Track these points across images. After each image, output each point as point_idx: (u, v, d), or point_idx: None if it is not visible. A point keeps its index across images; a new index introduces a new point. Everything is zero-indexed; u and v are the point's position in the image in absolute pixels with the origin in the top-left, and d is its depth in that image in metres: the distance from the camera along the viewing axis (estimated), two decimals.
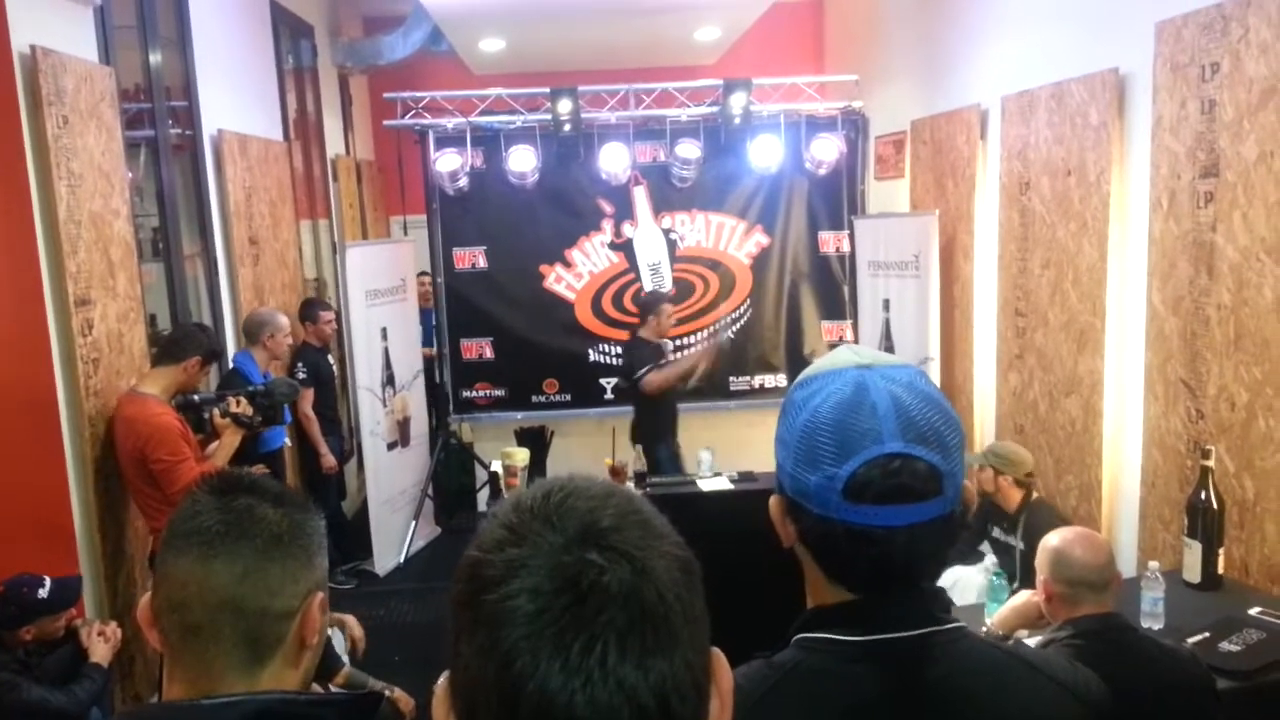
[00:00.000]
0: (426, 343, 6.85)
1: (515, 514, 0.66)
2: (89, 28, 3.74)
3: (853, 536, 0.94)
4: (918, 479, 0.93)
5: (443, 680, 0.66)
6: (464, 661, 0.62)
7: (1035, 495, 3.71)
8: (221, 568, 1.02)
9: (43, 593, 2.86)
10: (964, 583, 3.80)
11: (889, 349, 5.79)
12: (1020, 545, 3.57)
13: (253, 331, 4.81)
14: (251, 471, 1.15)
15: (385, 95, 6.46)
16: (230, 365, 4.79)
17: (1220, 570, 3.04)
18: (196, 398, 3.64)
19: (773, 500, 1.03)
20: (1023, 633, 2.40)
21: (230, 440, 3.65)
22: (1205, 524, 3.01)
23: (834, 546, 0.96)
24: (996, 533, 3.77)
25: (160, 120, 4.45)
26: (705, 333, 6.63)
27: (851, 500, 0.93)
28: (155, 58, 4.43)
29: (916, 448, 0.93)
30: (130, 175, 4.02)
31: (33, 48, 3.19)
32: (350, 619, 3.59)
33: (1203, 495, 3.02)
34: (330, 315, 5.61)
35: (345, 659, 3.60)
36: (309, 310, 5.60)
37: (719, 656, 0.68)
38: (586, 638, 0.59)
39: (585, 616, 0.59)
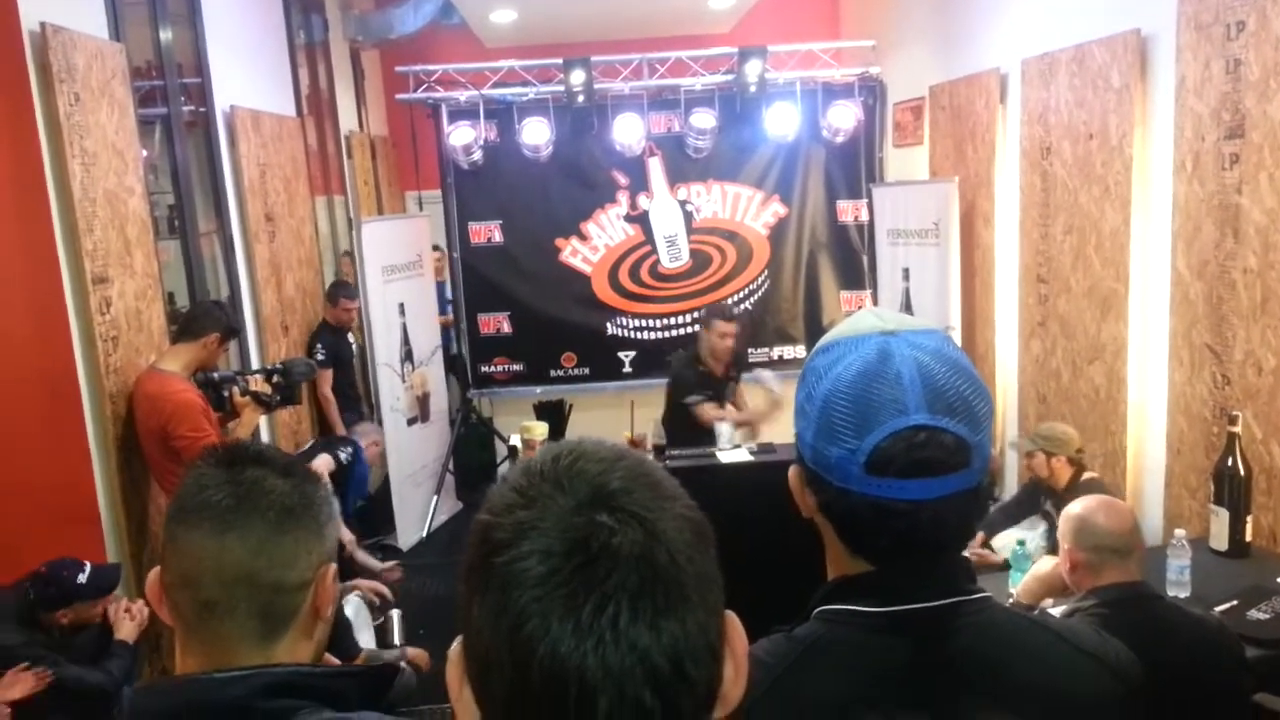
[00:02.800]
0: (441, 312, 6.86)
1: (525, 477, 0.65)
2: (98, 4, 3.73)
3: (876, 510, 0.91)
4: (944, 451, 0.90)
5: (456, 645, 0.66)
6: (476, 625, 0.62)
7: (1086, 474, 3.60)
8: (234, 542, 1.01)
9: (82, 578, 2.90)
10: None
11: None
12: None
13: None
14: (257, 442, 1.14)
15: (397, 69, 6.43)
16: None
17: (1248, 538, 3.00)
18: (216, 375, 3.66)
19: (792, 470, 1.01)
20: (1048, 602, 2.38)
21: (250, 418, 3.68)
22: (1232, 491, 2.97)
23: (856, 520, 0.94)
24: (1048, 505, 3.69)
25: (172, 97, 4.43)
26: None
27: (874, 474, 0.90)
28: (166, 34, 4.41)
29: (943, 419, 0.90)
30: (144, 153, 4.01)
31: (42, 25, 3.18)
32: (362, 582, 3.62)
33: (1230, 462, 2.99)
34: (353, 304, 5.59)
35: (364, 641, 3.62)
36: (335, 293, 5.62)
37: (733, 619, 0.67)
38: (598, 599, 0.58)
39: (596, 578, 0.59)
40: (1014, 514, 3.82)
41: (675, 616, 0.60)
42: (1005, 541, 3.66)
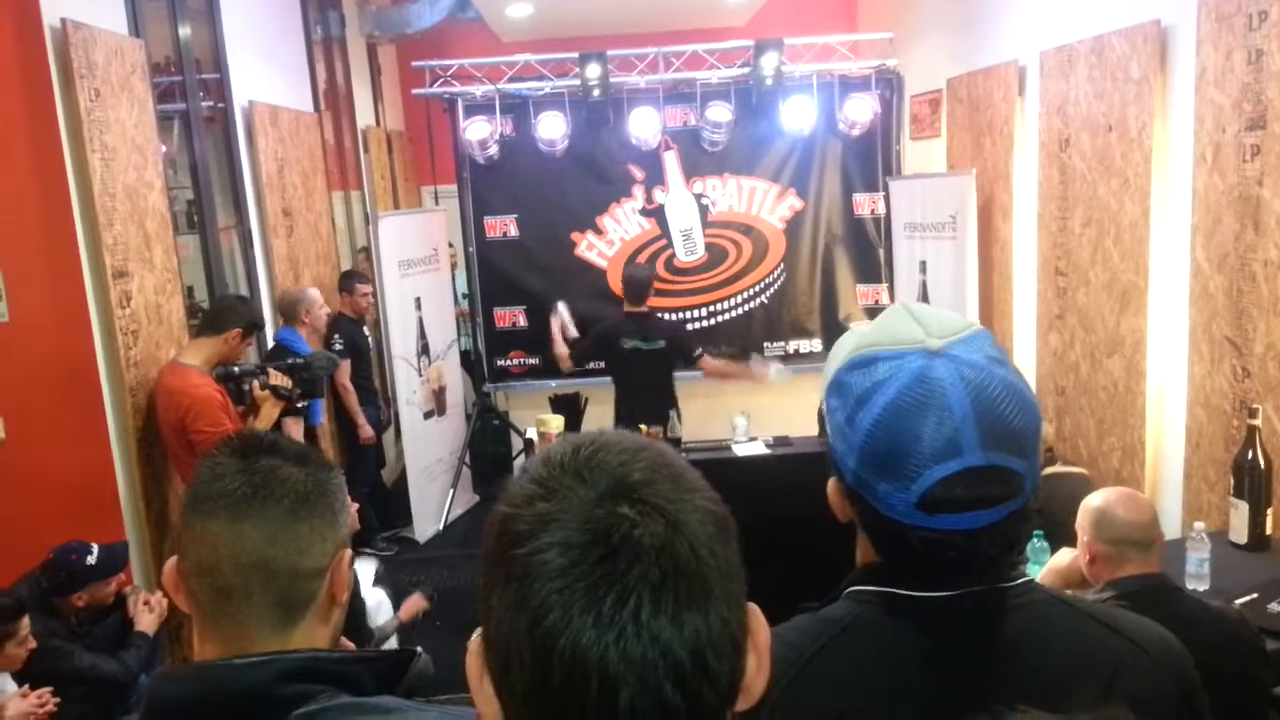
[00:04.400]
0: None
1: (545, 468, 0.65)
2: (119, 1, 3.75)
3: (925, 541, 0.89)
4: (1000, 486, 0.88)
5: (475, 637, 0.66)
6: (496, 617, 0.62)
7: (1052, 469, 3.59)
8: (251, 529, 1.02)
9: (91, 559, 2.92)
10: None
11: None
12: None
13: (289, 311, 4.84)
14: (270, 432, 1.15)
15: (414, 64, 6.44)
16: (272, 341, 4.83)
17: (1268, 531, 2.98)
18: (236, 369, 3.68)
19: (831, 484, 0.98)
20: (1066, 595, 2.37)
21: (269, 412, 3.69)
22: (1252, 484, 2.95)
23: (904, 546, 0.91)
24: None
25: (191, 93, 4.46)
26: (740, 297, 6.59)
27: (927, 511, 0.88)
28: (185, 30, 4.43)
29: (999, 456, 0.86)
30: (164, 148, 4.04)
31: (63, 21, 3.20)
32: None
33: (1250, 455, 2.97)
34: (368, 288, 5.63)
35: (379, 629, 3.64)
36: (347, 282, 5.63)
37: (755, 612, 0.67)
38: (619, 591, 0.58)
39: (617, 570, 0.58)
40: None
41: (697, 609, 0.60)
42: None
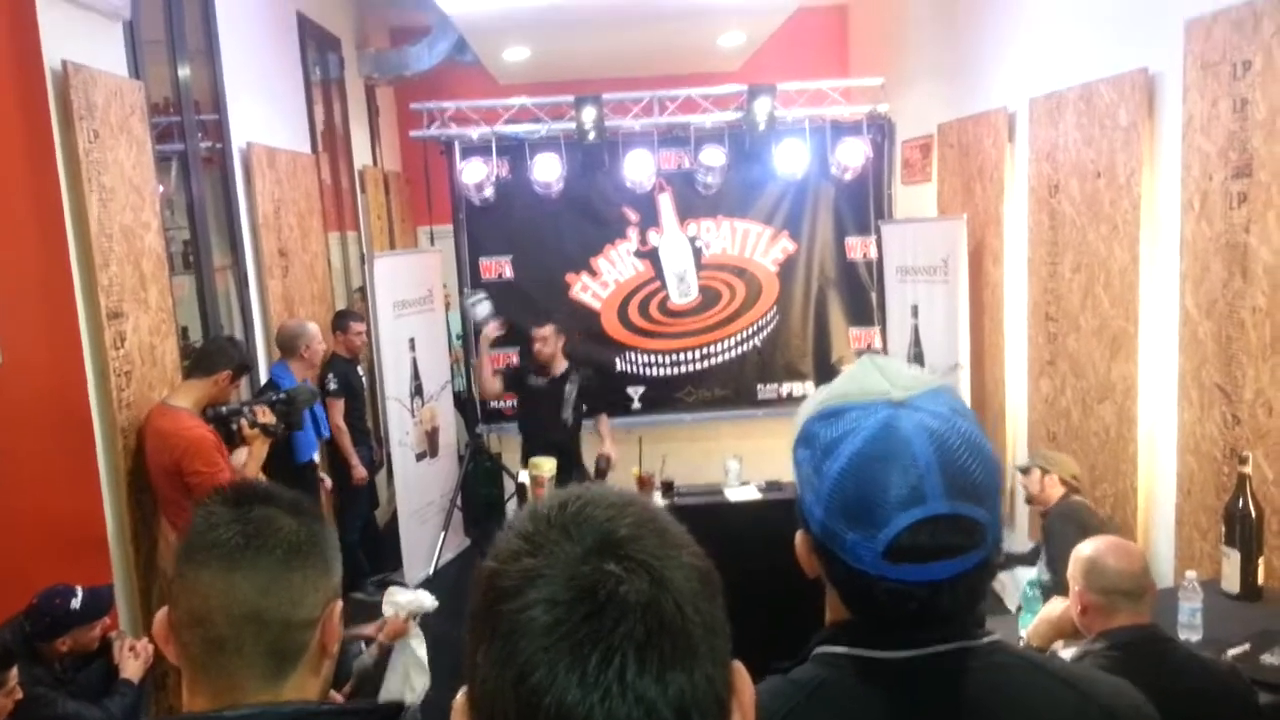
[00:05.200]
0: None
1: (532, 523, 0.65)
2: (119, 42, 3.79)
3: (890, 592, 0.90)
4: (963, 536, 0.89)
5: (461, 695, 0.66)
6: (481, 674, 0.62)
7: (1075, 497, 3.67)
8: (244, 580, 1.02)
9: (75, 603, 2.89)
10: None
11: (918, 355, 5.74)
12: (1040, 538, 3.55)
13: (289, 345, 4.85)
14: (264, 481, 1.15)
15: (411, 106, 6.51)
16: (266, 377, 4.83)
17: (1260, 580, 2.97)
18: (224, 409, 3.68)
19: (799, 536, 0.99)
20: (1058, 644, 2.36)
21: (260, 450, 3.69)
22: (1244, 532, 2.95)
23: (870, 598, 0.92)
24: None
25: (190, 133, 4.49)
26: (734, 340, 6.61)
27: (892, 560, 0.89)
28: (184, 71, 4.48)
29: (962, 505, 0.88)
30: (161, 188, 4.06)
31: (64, 63, 3.23)
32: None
33: (1240, 503, 2.96)
34: (361, 327, 5.64)
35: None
36: (341, 320, 5.63)
37: (740, 670, 0.67)
38: (604, 650, 0.58)
39: (603, 628, 0.59)
40: (1034, 558, 3.83)
41: (682, 668, 0.60)
42: (1020, 580, 3.65)
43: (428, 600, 3.44)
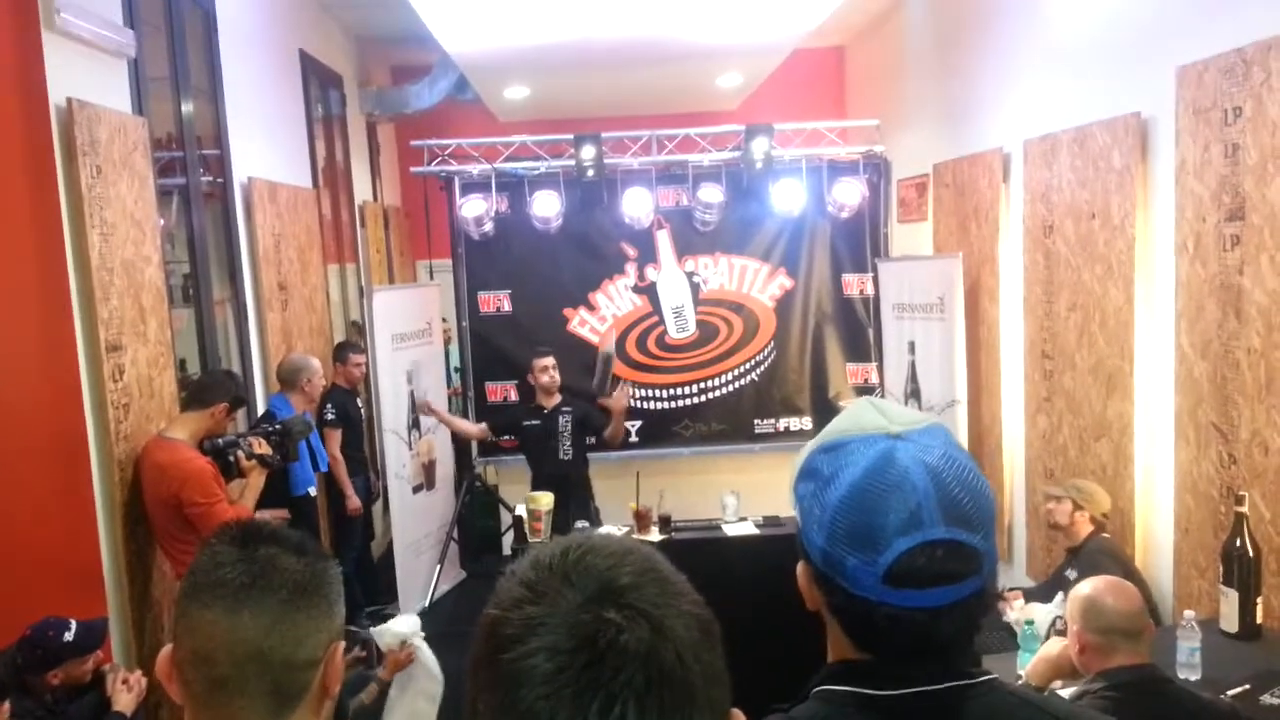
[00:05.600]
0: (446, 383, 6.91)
1: (534, 571, 0.66)
2: (123, 79, 3.83)
3: (891, 618, 0.92)
4: (960, 562, 0.91)
5: None
6: None
7: (1106, 535, 3.69)
8: (248, 620, 1.02)
9: (68, 636, 2.87)
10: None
11: (915, 392, 5.76)
12: (1073, 575, 3.51)
13: (290, 378, 4.86)
14: (269, 520, 1.15)
15: (412, 143, 6.57)
16: (265, 409, 4.83)
17: (1259, 620, 2.97)
18: (221, 441, 3.68)
19: (800, 568, 1.01)
20: (1057, 684, 2.35)
21: (256, 481, 3.69)
22: (1241, 571, 2.95)
23: (869, 624, 0.94)
24: (1068, 572, 3.70)
25: (192, 168, 4.53)
26: (731, 374, 6.64)
27: (892, 585, 0.91)
28: (187, 107, 4.52)
29: (959, 531, 0.90)
30: (162, 222, 4.08)
31: (69, 100, 3.27)
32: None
33: (1238, 542, 2.97)
34: (361, 359, 5.66)
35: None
36: (341, 352, 5.66)
37: (738, 717, 0.67)
38: (605, 698, 0.58)
39: (603, 676, 0.59)
40: (1051, 590, 3.79)
41: (681, 716, 0.60)
42: (1042, 616, 3.60)
43: (414, 620, 3.49)
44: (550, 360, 5.60)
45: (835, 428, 0.99)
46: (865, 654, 0.97)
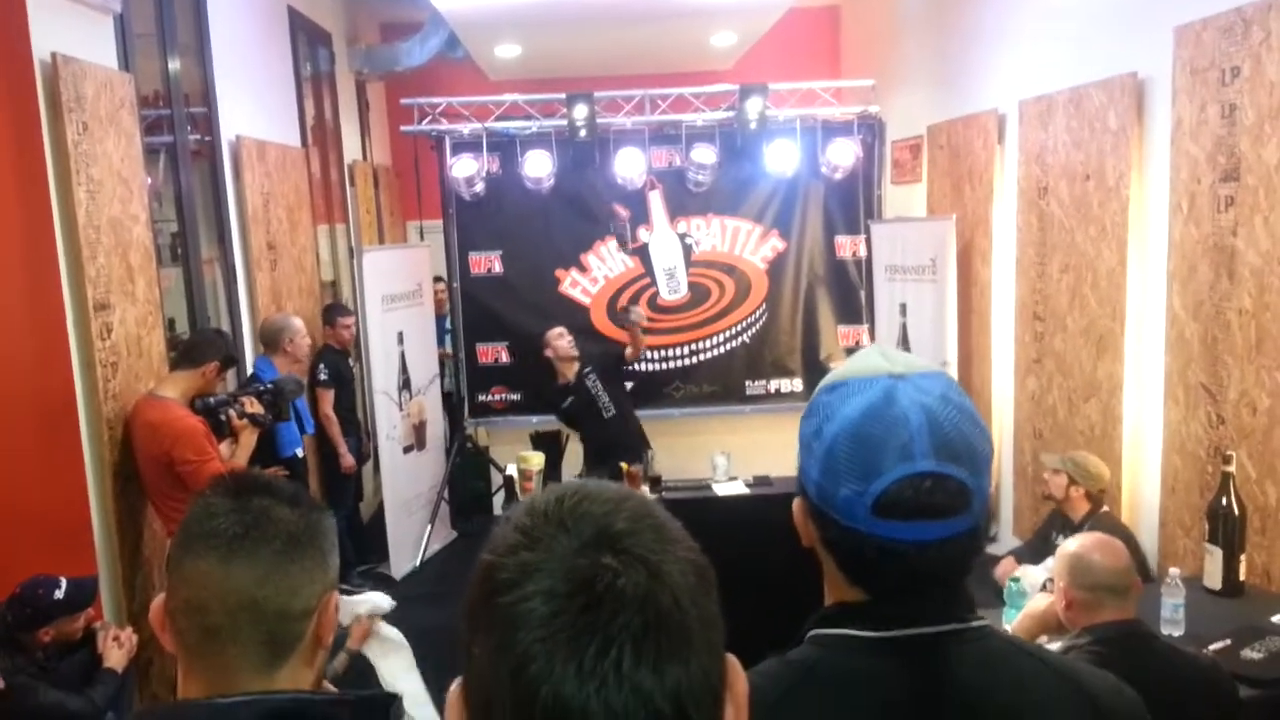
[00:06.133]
0: (439, 344, 6.90)
1: (529, 517, 0.66)
2: (109, 35, 3.77)
3: (880, 550, 0.93)
4: (948, 496, 0.92)
5: (455, 687, 0.66)
6: (478, 666, 0.62)
7: (1104, 509, 3.66)
8: (241, 570, 1.02)
9: (59, 594, 2.88)
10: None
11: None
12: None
13: (271, 339, 4.84)
14: (263, 471, 1.15)
15: (402, 101, 6.49)
16: (250, 371, 4.82)
17: (1242, 577, 3.00)
18: (213, 400, 3.67)
19: (796, 503, 1.02)
20: (1043, 639, 2.38)
21: (248, 440, 3.69)
22: (1226, 530, 2.98)
23: (860, 557, 0.95)
24: (1058, 539, 3.72)
25: (179, 126, 4.48)
26: (722, 336, 6.63)
27: (881, 516, 0.92)
28: (174, 65, 4.46)
29: (949, 465, 0.91)
30: (149, 181, 4.04)
31: (53, 55, 3.22)
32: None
33: (1224, 501, 2.99)
34: (349, 320, 5.64)
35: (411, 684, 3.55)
36: (329, 315, 5.65)
37: (733, 662, 0.67)
38: (601, 641, 0.58)
39: (600, 620, 0.59)
40: (1039, 549, 3.82)
41: (679, 660, 0.60)
42: (1033, 578, 3.62)
43: (384, 601, 3.46)
44: (560, 328, 5.62)
45: (840, 370, 1.02)
46: (859, 592, 0.98)
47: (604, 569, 0.61)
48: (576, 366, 5.58)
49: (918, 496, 0.91)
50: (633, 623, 0.59)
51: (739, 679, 0.67)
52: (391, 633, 3.45)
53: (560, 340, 5.55)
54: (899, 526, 0.92)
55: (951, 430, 0.93)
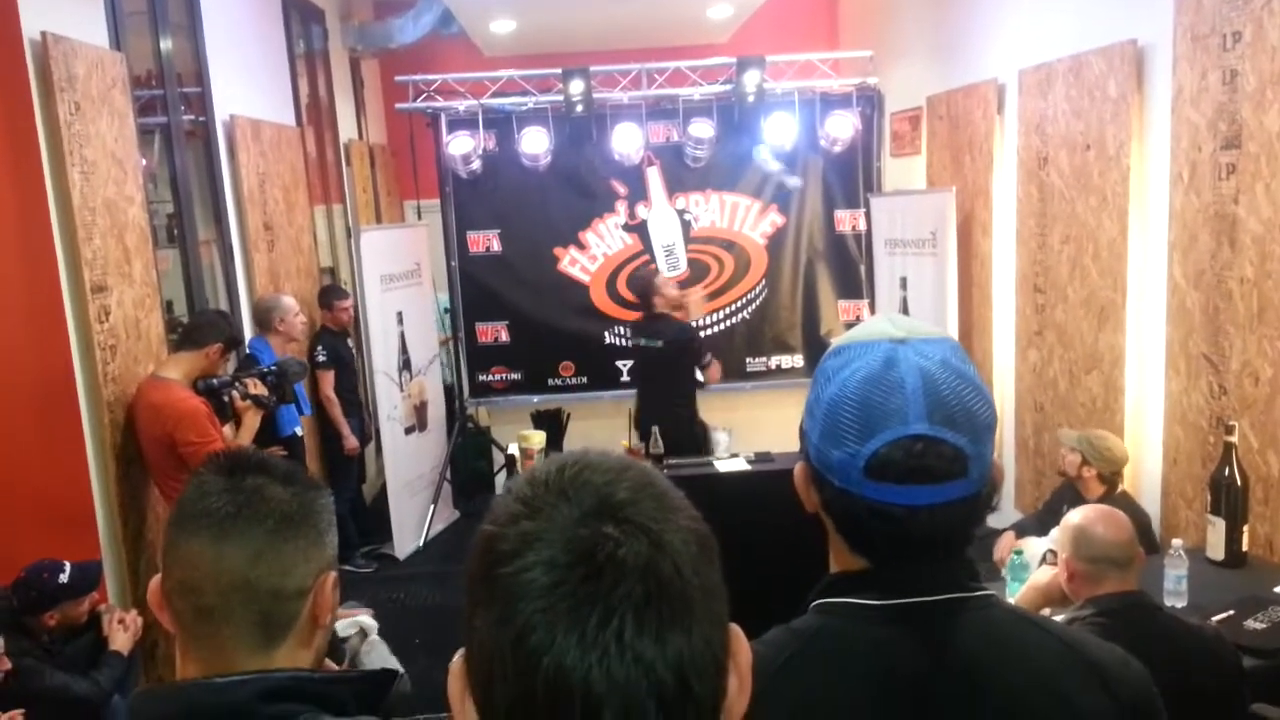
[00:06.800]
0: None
1: (530, 487, 0.65)
2: (99, 14, 3.73)
3: (873, 512, 0.93)
4: (942, 461, 0.91)
5: (457, 658, 0.66)
6: (480, 636, 0.61)
7: (1120, 489, 3.59)
8: (233, 549, 1.01)
9: (63, 577, 2.88)
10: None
11: None
12: None
13: (264, 318, 4.84)
14: (259, 450, 1.14)
15: (397, 78, 6.44)
16: (246, 351, 4.81)
17: (1245, 548, 3.00)
18: (216, 381, 3.67)
19: (798, 467, 1.02)
20: (1045, 611, 2.38)
21: (251, 422, 3.69)
22: (1229, 501, 2.98)
23: (854, 519, 0.96)
24: (1068, 512, 3.66)
25: (172, 106, 4.44)
26: (722, 313, 6.62)
27: (873, 478, 0.92)
28: (166, 44, 4.42)
29: (943, 430, 0.91)
30: (144, 162, 4.02)
31: (43, 34, 3.18)
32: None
33: (1226, 472, 2.99)
34: (347, 303, 5.63)
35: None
36: (325, 298, 5.63)
37: (737, 632, 0.67)
38: (603, 611, 0.58)
39: (601, 589, 0.58)
40: (1046, 521, 3.79)
41: (680, 629, 0.60)
42: (1035, 550, 3.59)
43: (368, 622, 3.45)
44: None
45: (846, 336, 1.02)
46: (861, 561, 0.98)
47: (605, 538, 0.60)
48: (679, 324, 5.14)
49: (908, 459, 0.91)
50: (634, 592, 0.59)
51: (742, 648, 0.67)
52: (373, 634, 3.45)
53: (668, 289, 5.15)
54: (891, 490, 0.92)
55: (949, 395, 0.92)
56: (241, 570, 1.01)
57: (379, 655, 3.45)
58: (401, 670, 1.11)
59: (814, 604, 1.00)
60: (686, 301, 5.22)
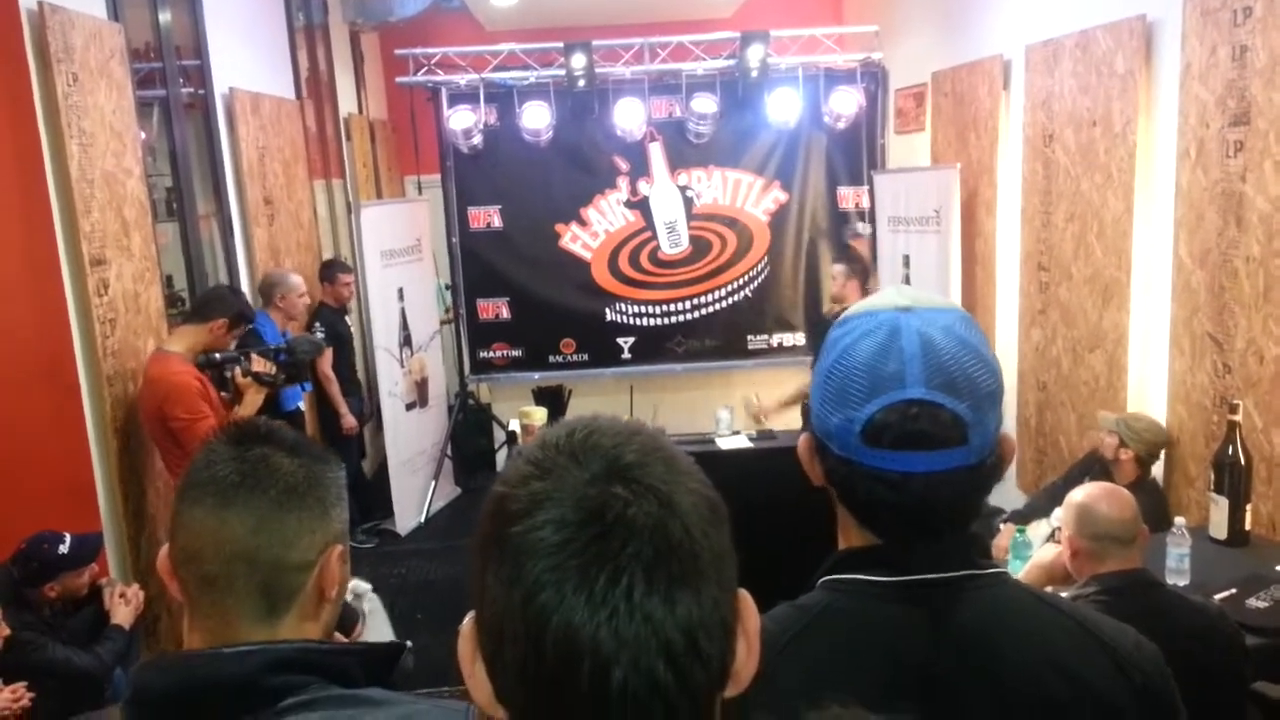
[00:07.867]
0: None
1: (540, 450, 0.65)
2: None
3: (869, 479, 0.93)
4: (939, 426, 0.90)
5: (468, 619, 0.66)
6: (489, 596, 0.62)
7: (1151, 477, 3.57)
8: (235, 519, 1.01)
9: (63, 548, 2.89)
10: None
11: None
12: None
13: (266, 293, 4.83)
14: (271, 421, 1.13)
15: (397, 52, 6.40)
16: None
17: (1247, 526, 3.00)
18: (218, 356, 3.65)
19: (803, 438, 1.02)
20: (1049, 589, 2.37)
21: (253, 399, 3.67)
22: (1232, 480, 2.97)
23: (853, 488, 0.95)
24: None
25: (171, 79, 4.41)
26: (724, 290, 6.59)
27: (869, 444, 0.91)
28: (165, 15, 4.38)
29: (941, 395, 0.90)
30: (143, 135, 3.99)
31: (40, 4, 3.15)
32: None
33: (1230, 451, 2.98)
34: (349, 278, 5.61)
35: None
36: (328, 271, 5.61)
37: (745, 597, 0.67)
38: (612, 570, 0.58)
39: (610, 549, 0.59)
40: (1058, 496, 3.75)
41: (689, 590, 0.60)
42: (1042, 530, 3.55)
43: (360, 584, 3.46)
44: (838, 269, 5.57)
45: (854, 306, 1.01)
46: (869, 537, 0.97)
47: (615, 498, 0.60)
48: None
49: (904, 423, 0.90)
50: (643, 551, 0.59)
51: (751, 614, 0.67)
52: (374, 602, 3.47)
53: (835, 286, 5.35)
54: (886, 455, 0.91)
55: (949, 360, 0.91)
56: (243, 539, 1.00)
57: (379, 620, 3.47)
58: (409, 644, 1.10)
59: (821, 581, 1.00)
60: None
